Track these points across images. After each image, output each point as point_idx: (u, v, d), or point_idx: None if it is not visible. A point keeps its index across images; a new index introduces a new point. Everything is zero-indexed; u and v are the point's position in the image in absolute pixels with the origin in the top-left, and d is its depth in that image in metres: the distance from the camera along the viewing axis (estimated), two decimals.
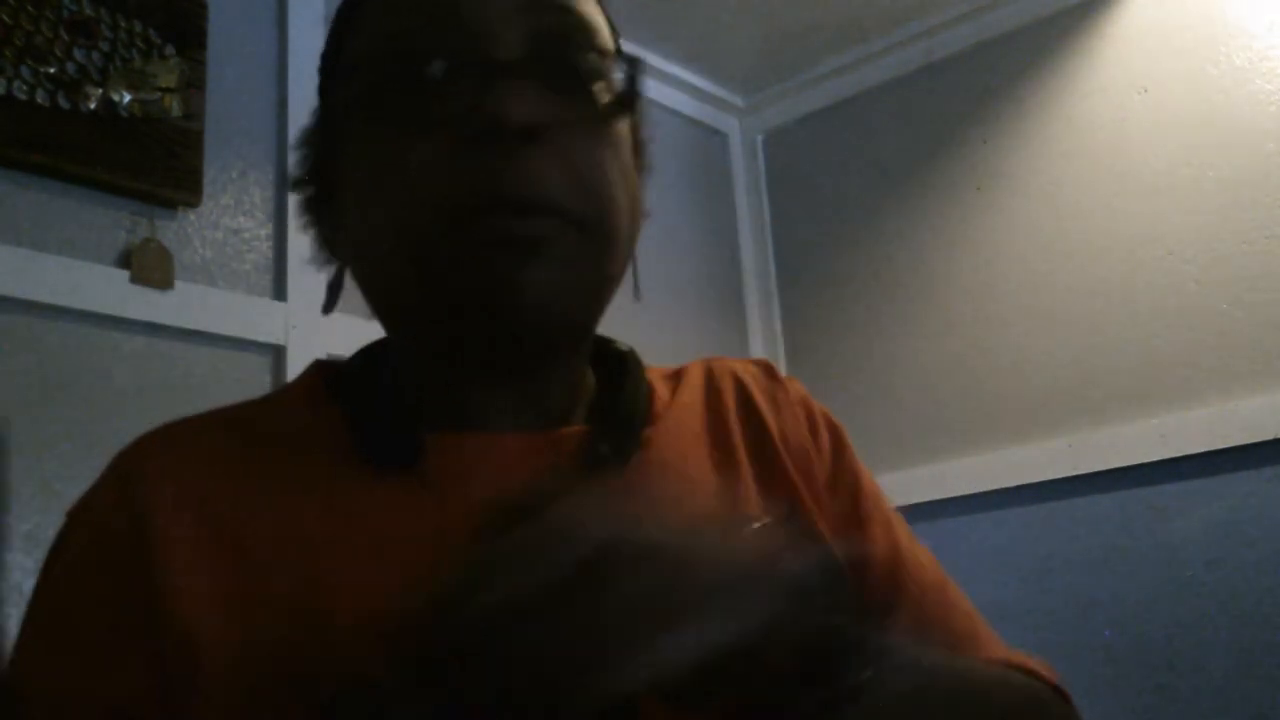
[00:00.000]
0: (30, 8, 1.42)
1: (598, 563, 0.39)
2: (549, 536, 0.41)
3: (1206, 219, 1.98)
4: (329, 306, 0.63)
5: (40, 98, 1.40)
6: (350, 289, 0.64)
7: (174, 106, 1.53)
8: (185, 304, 1.51)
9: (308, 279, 1.64)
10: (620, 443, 0.60)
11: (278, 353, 1.61)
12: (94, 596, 0.54)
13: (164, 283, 1.49)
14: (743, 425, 0.66)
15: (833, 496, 0.65)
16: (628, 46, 0.63)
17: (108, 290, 1.43)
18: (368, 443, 0.57)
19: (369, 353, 0.65)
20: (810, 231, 2.53)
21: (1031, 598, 2.01)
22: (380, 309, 0.61)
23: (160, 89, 1.52)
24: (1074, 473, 2.02)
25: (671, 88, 2.46)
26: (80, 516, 0.58)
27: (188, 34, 1.58)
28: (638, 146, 0.66)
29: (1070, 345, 2.09)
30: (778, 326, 2.53)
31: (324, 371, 0.64)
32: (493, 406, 0.60)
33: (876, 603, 0.61)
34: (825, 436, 0.68)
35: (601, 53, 0.58)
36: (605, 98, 0.57)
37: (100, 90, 1.46)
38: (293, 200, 0.66)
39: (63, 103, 1.42)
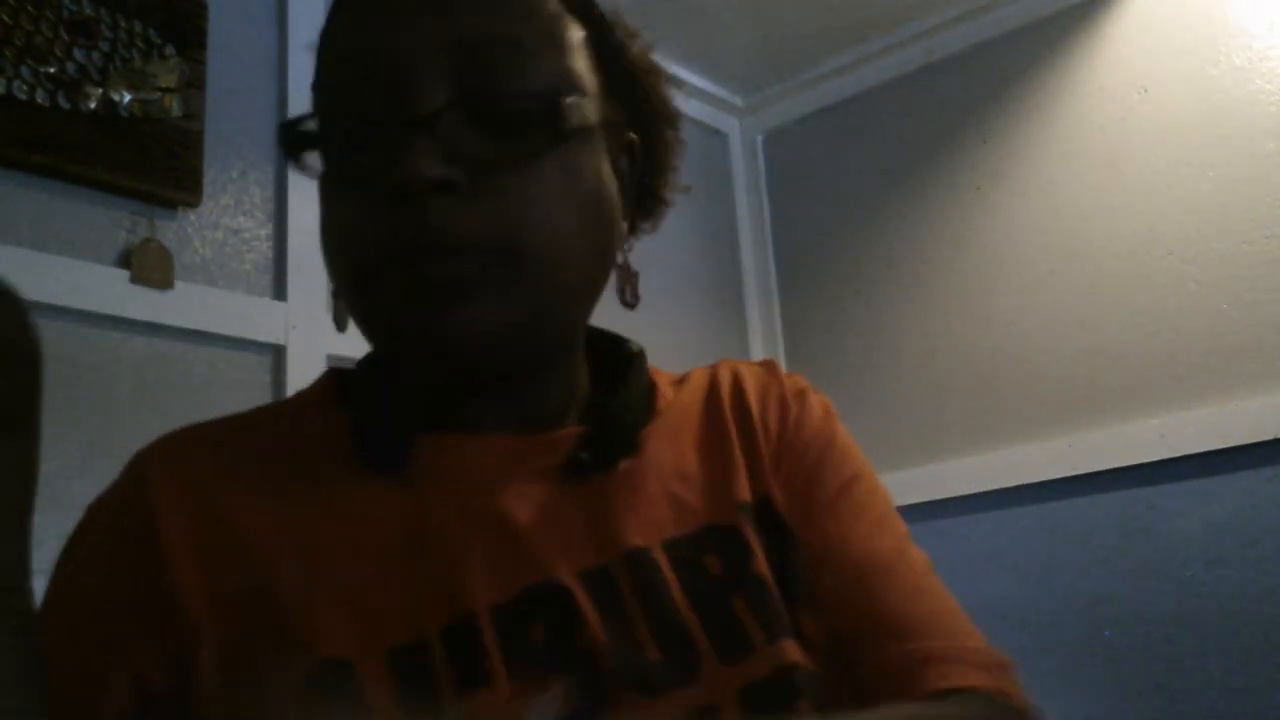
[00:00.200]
0: (30, 8, 1.42)
1: None
2: None
3: (1206, 219, 1.98)
4: (339, 326, 0.64)
5: (40, 98, 1.40)
6: None
7: (174, 106, 1.53)
8: (185, 304, 1.51)
9: (308, 279, 1.64)
10: (606, 449, 0.61)
11: (278, 353, 1.61)
12: (110, 582, 0.57)
13: (164, 283, 1.49)
14: (737, 422, 0.66)
15: (791, 481, 0.65)
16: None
17: (108, 290, 1.43)
18: (361, 445, 0.60)
19: (373, 358, 0.66)
20: (810, 231, 2.53)
21: (1031, 598, 2.01)
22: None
23: (160, 89, 1.52)
24: (1074, 473, 2.02)
25: (671, 88, 2.46)
26: (97, 510, 0.61)
27: (188, 34, 1.58)
28: (634, 153, 0.67)
29: (1070, 345, 2.09)
30: (778, 326, 2.53)
31: (336, 377, 0.66)
32: (482, 411, 0.61)
33: (801, 591, 0.60)
34: (809, 423, 0.68)
35: (548, 83, 0.58)
36: (542, 130, 0.57)
37: (100, 90, 1.46)
38: (294, 201, 0.68)
39: (63, 103, 1.42)
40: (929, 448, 2.22)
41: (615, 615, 0.56)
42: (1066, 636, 1.96)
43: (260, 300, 1.61)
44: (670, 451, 0.64)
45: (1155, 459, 1.94)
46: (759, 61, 2.53)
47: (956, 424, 2.20)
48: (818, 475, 0.65)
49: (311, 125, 0.59)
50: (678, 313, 2.36)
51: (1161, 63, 2.07)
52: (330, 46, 0.61)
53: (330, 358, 1.62)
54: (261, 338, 1.59)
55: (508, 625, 0.55)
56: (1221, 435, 1.88)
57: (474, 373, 0.58)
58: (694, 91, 2.53)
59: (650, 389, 0.67)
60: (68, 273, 1.40)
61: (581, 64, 0.61)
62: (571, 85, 0.59)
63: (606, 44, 0.64)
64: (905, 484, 2.16)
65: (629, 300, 0.81)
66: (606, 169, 0.62)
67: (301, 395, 0.67)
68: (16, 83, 1.38)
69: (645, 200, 0.70)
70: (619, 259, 0.65)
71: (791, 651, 0.57)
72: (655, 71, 0.70)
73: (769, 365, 0.72)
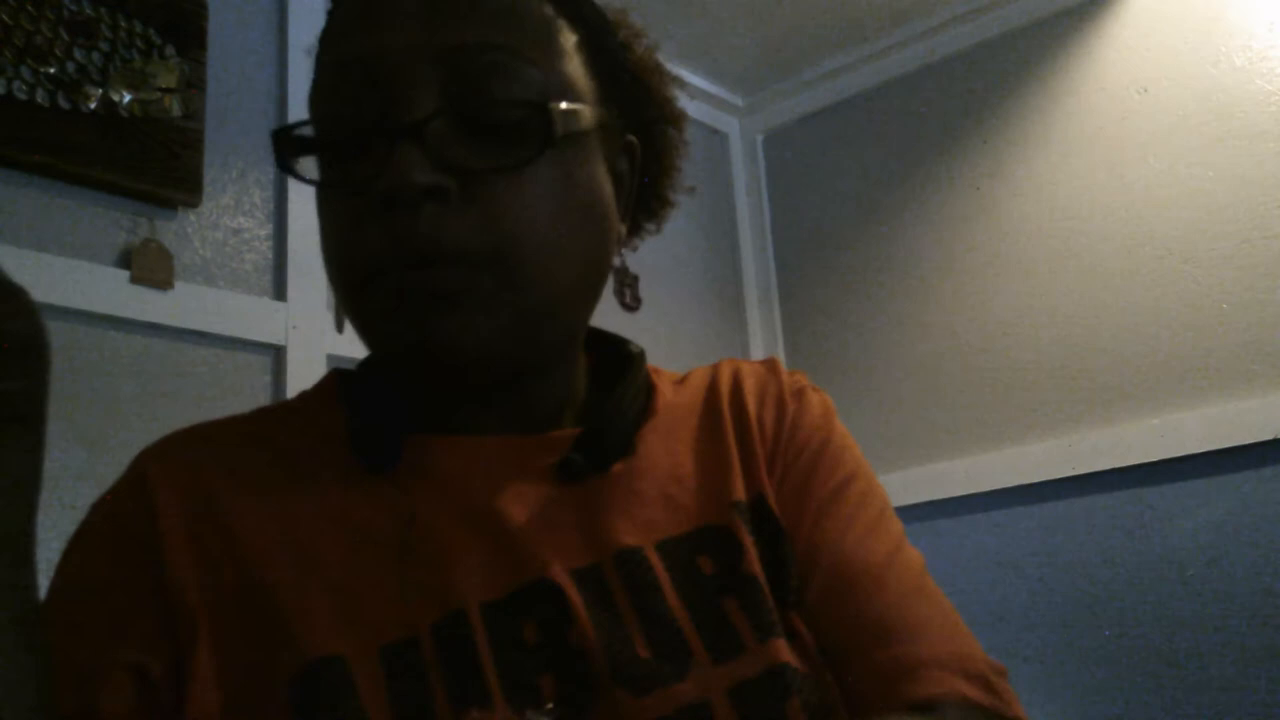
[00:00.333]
0: (30, 8, 1.42)
1: None
2: None
3: (1206, 219, 1.98)
4: (339, 326, 0.65)
5: (40, 98, 1.40)
6: None
7: (174, 106, 1.53)
8: (185, 304, 1.51)
9: (308, 279, 1.64)
10: (600, 450, 0.61)
11: (278, 353, 1.61)
12: (112, 578, 0.57)
13: (164, 283, 1.49)
14: (734, 421, 0.66)
15: (786, 482, 0.65)
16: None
17: (108, 290, 1.43)
18: (356, 446, 0.60)
19: (372, 359, 0.66)
20: (810, 231, 2.53)
21: (1031, 598, 2.01)
22: None
23: (160, 89, 1.52)
24: (1074, 473, 2.02)
25: (675, 88, 2.46)
26: (102, 507, 0.61)
27: (188, 34, 1.58)
28: (633, 155, 0.67)
29: (1070, 345, 2.09)
30: (778, 326, 2.53)
31: (338, 378, 0.67)
32: (478, 413, 0.62)
33: (792, 592, 0.60)
34: (807, 423, 0.67)
35: (538, 89, 0.58)
36: (531, 137, 0.57)
37: (100, 90, 1.46)
38: (294, 201, 0.68)
39: (63, 103, 1.42)
40: (929, 448, 2.22)
41: (606, 614, 0.56)
42: (1066, 636, 1.96)
43: (260, 300, 1.61)
44: (666, 452, 0.64)
45: (1155, 459, 1.94)
46: (759, 61, 2.53)
47: (956, 424, 2.20)
48: (812, 475, 0.65)
49: (306, 131, 0.60)
50: (678, 312, 2.36)
51: (1161, 63, 2.07)
52: (324, 53, 0.61)
53: (330, 358, 1.62)
54: (261, 338, 1.59)
55: (499, 623, 0.55)
56: (1221, 435, 1.88)
57: (465, 380, 0.58)
58: (694, 91, 2.53)
59: (648, 390, 0.67)
60: (68, 273, 1.40)
61: (574, 68, 0.61)
62: (563, 91, 0.59)
63: (603, 47, 0.64)
64: (905, 484, 2.16)
65: (629, 303, 0.81)
66: (602, 173, 0.62)
67: (304, 396, 0.68)
68: (16, 83, 1.38)
69: (648, 201, 0.70)
70: (617, 262, 0.65)
71: (783, 651, 0.57)
72: (658, 72, 0.70)
73: (770, 364, 0.72)
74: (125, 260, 1.47)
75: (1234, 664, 1.81)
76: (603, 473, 0.61)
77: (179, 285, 1.51)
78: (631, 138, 0.67)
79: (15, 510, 0.44)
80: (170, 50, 1.55)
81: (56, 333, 1.38)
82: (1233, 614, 1.83)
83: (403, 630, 0.54)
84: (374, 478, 0.59)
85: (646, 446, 0.63)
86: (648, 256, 2.46)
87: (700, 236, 2.50)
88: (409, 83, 0.56)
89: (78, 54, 1.46)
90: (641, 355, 0.69)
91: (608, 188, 0.63)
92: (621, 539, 0.59)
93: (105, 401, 1.41)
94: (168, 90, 1.53)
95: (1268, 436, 1.83)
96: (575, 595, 0.56)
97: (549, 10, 0.60)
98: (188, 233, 1.56)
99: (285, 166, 0.60)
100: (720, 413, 0.67)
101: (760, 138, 2.66)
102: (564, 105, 0.58)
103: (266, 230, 1.66)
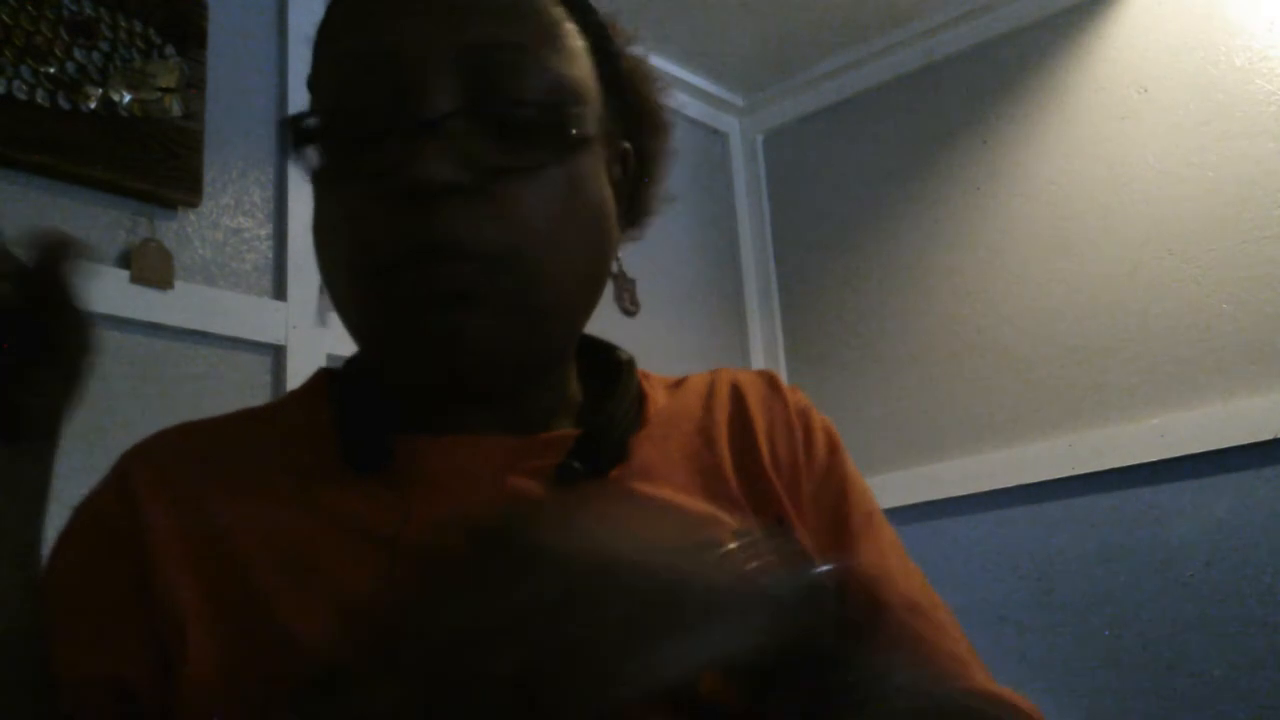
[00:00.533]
0: (30, 8, 1.42)
1: (578, 580, 0.40)
2: (526, 555, 0.41)
3: (1206, 219, 1.98)
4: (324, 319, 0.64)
5: (40, 98, 1.40)
6: None
7: (174, 106, 1.53)
8: (185, 304, 1.51)
9: (308, 279, 1.64)
10: (598, 456, 0.60)
11: (278, 353, 1.61)
12: (95, 580, 0.56)
13: (164, 283, 1.49)
14: (731, 436, 0.66)
15: (816, 510, 0.65)
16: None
17: (108, 290, 1.43)
18: (343, 446, 0.59)
19: (362, 357, 0.66)
20: (810, 231, 2.53)
21: (1031, 598, 2.01)
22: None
23: (160, 89, 1.52)
24: (1074, 473, 2.02)
25: (671, 88, 2.46)
26: (85, 509, 0.60)
27: (188, 34, 1.58)
28: (627, 162, 0.66)
29: (1070, 345, 2.09)
30: (778, 326, 2.53)
31: (325, 377, 0.66)
32: (472, 415, 0.61)
33: (855, 620, 0.60)
34: (820, 450, 0.68)
35: (553, 90, 0.58)
36: (547, 138, 0.57)
37: (100, 90, 1.46)
38: (294, 201, 0.67)
39: (63, 103, 1.42)
40: (929, 448, 2.22)
41: None
42: (1066, 636, 1.96)
43: (260, 300, 1.61)
44: (661, 461, 0.63)
45: (1155, 459, 1.94)
46: (759, 61, 2.53)
47: (956, 424, 2.20)
48: (842, 508, 0.65)
49: (315, 121, 0.59)
50: (677, 313, 2.36)
51: (1161, 63, 2.07)
52: (332, 42, 0.60)
53: (330, 358, 1.62)
54: (261, 338, 1.59)
55: None
56: (1221, 435, 1.88)
57: (470, 379, 0.57)
58: (694, 91, 2.53)
59: (640, 397, 0.66)
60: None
61: (584, 72, 0.60)
62: (575, 94, 0.59)
63: (606, 52, 0.63)
64: (905, 484, 2.16)
65: (628, 307, 0.81)
66: (604, 178, 0.62)
67: (292, 395, 0.67)
68: (16, 83, 1.38)
69: (634, 208, 0.70)
70: (614, 267, 0.65)
71: None
72: (650, 79, 0.70)
73: (770, 379, 0.71)
74: (125, 260, 1.47)
75: (1234, 664, 1.81)
76: (599, 478, 0.60)
77: (179, 285, 1.51)
78: (626, 144, 0.66)
79: (32, 520, 0.44)
80: (170, 50, 1.55)
81: None
82: (1233, 614, 1.83)
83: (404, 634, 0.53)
84: (365, 478, 0.58)
85: (640, 454, 0.62)
86: (647, 257, 2.46)
87: (700, 236, 2.50)
88: (427, 77, 0.55)
89: (78, 54, 1.46)
90: (631, 362, 0.68)
91: (609, 192, 0.63)
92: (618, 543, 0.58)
93: (104, 401, 1.41)
94: (168, 90, 1.53)
95: (1268, 436, 1.83)
96: None
97: (559, 11, 0.60)
98: (188, 233, 1.56)
99: (295, 156, 0.59)
100: (715, 426, 0.66)
101: (760, 138, 2.66)
102: (578, 108, 0.58)
103: (266, 230, 1.66)
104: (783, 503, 0.64)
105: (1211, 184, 1.98)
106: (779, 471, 0.65)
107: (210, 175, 1.59)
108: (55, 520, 0.61)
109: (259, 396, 1.57)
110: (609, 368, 0.67)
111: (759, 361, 2.49)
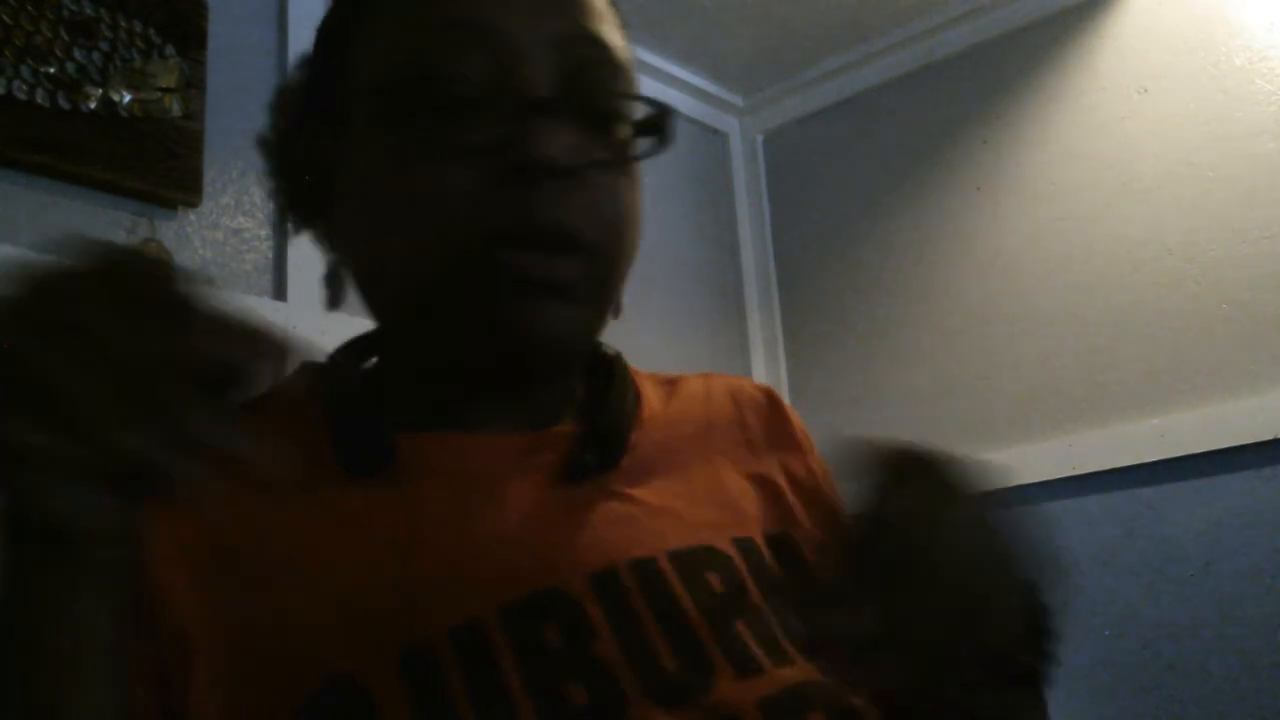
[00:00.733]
0: (30, 8, 1.42)
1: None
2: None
3: (1206, 219, 1.98)
4: (333, 303, 0.62)
5: (40, 98, 1.40)
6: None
7: (174, 106, 1.53)
8: None
9: (308, 279, 1.64)
10: (606, 449, 0.60)
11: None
12: None
13: None
14: (738, 448, 0.66)
15: (814, 516, 0.65)
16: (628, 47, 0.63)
17: None
18: (341, 445, 0.57)
19: (352, 349, 0.64)
20: (810, 231, 2.53)
21: None
22: (380, 314, 0.61)
23: (160, 89, 1.52)
24: (1074, 473, 2.02)
25: (671, 88, 2.46)
26: None
27: (188, 34, 1.58)
28: None
29: (1070, 345, 2.09)
30: (778, 327, 2.53)
31: (310, 372, 0.63)
32: (478, 409, 0.60)
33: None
34: (815, 459, 0.68)
35: (628, 92, 0.58)
36: (629, 138, 0.57)
37: (100, 90, 1.46)
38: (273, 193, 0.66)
39: (63, 103, 1.42)
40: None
41: (628, 622, 0.54)
42: (1066, 637, 1.96)
43: (260, 300, 1.61)
44: (662, 461, 0.63)
45: (1155, 459, 1.93)
46: (759, 61, 2.53)
47: (956, 424, 2.20)
48: (841, 516, 0.65)
49: (394, 85, 0.55)
50: (677, 312, 2.36)
51: (1161, 63, 2.07)
52: (403, 7, 0.57)
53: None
54: None
55: (519, 628, 0.52)
56: (1221, 435, 1.88)
57: (535, 367, 0.56)
58: (694, 91, 2.52)
59: (635, 394, 0.66)
60: None
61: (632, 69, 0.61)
62: (635, 90, 0.59)
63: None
64: None
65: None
66: None
67: (275, 391, 0.63)
68: (16, 83, 1.38)
69: None
70: None
71: (803, 670, 0.55)
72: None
73: (770, 396, 0.71)
74: None
75: (1233, 665, 1.81)
76: (607, 474, 0.60)
77: None
78: None
79: (120, 624, 0.42)
80: (170, 50, 1.55)
81: None
82: (1233, 614, 1.83)
83: (417, 638, 0.51)
84: (365, 478, 0.56)
85: (641, 453, 0.62)
86: (647, 257, 2.45)
87: (700, 237, 2.50)
88: (530, 58, 0.54)
89: (78, 54, 1.46)
90: (620, 357, 0.68)
91: None
92: (632, 545, 0.57)
93: None
94: (168, 90, 1.53)
95: (1268, 436, 1.83)
96: (595, 602, 0.54)
97: (616, 15, 0.61)
98: (188, 233, 1.56)
99: (387, 124, 0.55)
100: (715, 434, 0.66)
101: (760, 138, 2.66)
102: (640, 105, 0.58)
103: (266, 230, 1.66)
104: (784, 505, 0.64)
105: (1211, 184, 1.98)
106: (793, 484, 0.65)
107: (210, 175, 1.59)
108: None
109: None
110: (598, 363, 0.67)
111: (759, 361, 2.49)
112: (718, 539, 0.60)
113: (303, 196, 0.64)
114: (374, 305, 0.61)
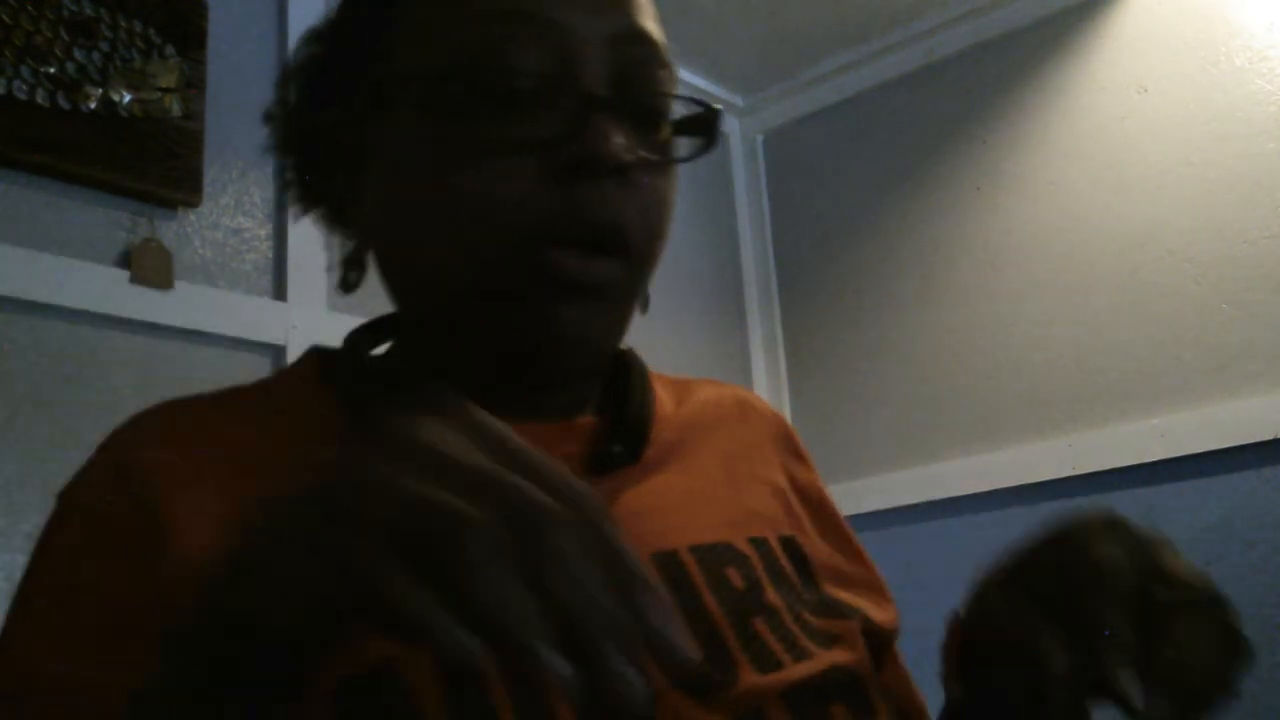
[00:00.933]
0: (30, 8, 1.42)
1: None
2: None
3: (1206, 219, 1.98)
4: (351, 286, 0.60)
5: (40, 98, 1.40)
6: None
7: (174, 106, 1.53)
8: (185, 304, 1.51)
9: (308, 279, 1.64)
10: (632, 440, 0.60)
11: (278, 353, 1.61)
12: (101, 581, 0.51)
13: (164, 283, 1.49)
14: (749, 452, 0.66)
15: (817, 522, 0.66)
16: None
17: (108, 290, 1.43)
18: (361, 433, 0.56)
19: (365, 335, 0.64)
20: (810, 231, 2.53)
21: None
22: (408, 302, 0.60)
23: (160, 89, 1.52)
24: (1074, 473, 2.02)
25: None
26: (74, 501, 0.56)
27: (188, 34, 1.58)
28: None
29: (1070, 345, 2.09)
30: (778, 327, 2.53)
31: (320, 356, 0.62)
32: (499, 399, 0.58)
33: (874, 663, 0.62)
34: (813, 469, 0.70)
35: (677, 91, 0.58)
36: (670, 138, 0.57)
37: (100, 90, 1.46)
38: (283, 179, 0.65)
39: (63, 103, 1.42)
40: (929, 448, 2.22)
41: None
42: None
43: (260, 300, 1.61)
44: (677, 458, 0.63)
45: (1155, 459, 1.93)
46: (759, 61, 2.53)
47: (956, 424, 2.20)
48: (841, 526, 0.67)
49: (445, 73, 0.54)
50: (677, 312, 2.36)
51: (1161, 63, 2.07)
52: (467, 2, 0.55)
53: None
54: (261, 338, 1.59)
55: None
56: (1221, 435, 1.88)
57: (567, 364, 0.56)
58: (694, 92, 2.52)
59: (652, 390, 0.66)
60: (68, 273, 1.40)
61: None
62: (689, 94, 0.59)
63: None
64: (905, 484, 2.16)
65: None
66: None
67: (283, 374, 0.63)
68: (16, 83, 1.38)
69: None
70: None
71: (822, 660, 0.55)
72: None
73: (777, 413, 0.73)
74: (125, 260, 1.47)
75: None
76: (631, 466, 0.60)
77: (179, 285, 1.51)
78: None
79: None
80: (170, 50, 1.55)
81: (56, 333, 1.38)
82: None
83: None
84: None
85: (656, 450, 0.62)
86: None
87: (700, 237, 2.50)
88: (589, 54, 0.54)
89: (78, 54, 1.46)
90: (632, 351, 0.68)
91: None
92: (655, 537, 0.57)
93: (105, 401, 1.41)
94: (168, 90, 1.53)
95: (1268, 436, 1.83)
96: None
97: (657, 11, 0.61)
98: (188, 233, 1.56)
99: (436, 113, 0.54)
100: (734, 441, 0.66)
101: (760, 138, 2.66)
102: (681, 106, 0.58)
103: (266, 230, 1.66)
104: (793, 512, 0.64)
105: (1211, 184, 1.98)
106: (797, 492, 0.66)
107: (210, 175, 1.59)
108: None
109: None
110: (614, 357, 0.67)
111: (759, 361, 2.49)
112: (735, 537, 0.60)
113: (315, 177, 0.62)
114: (403, 293, 0.60)
